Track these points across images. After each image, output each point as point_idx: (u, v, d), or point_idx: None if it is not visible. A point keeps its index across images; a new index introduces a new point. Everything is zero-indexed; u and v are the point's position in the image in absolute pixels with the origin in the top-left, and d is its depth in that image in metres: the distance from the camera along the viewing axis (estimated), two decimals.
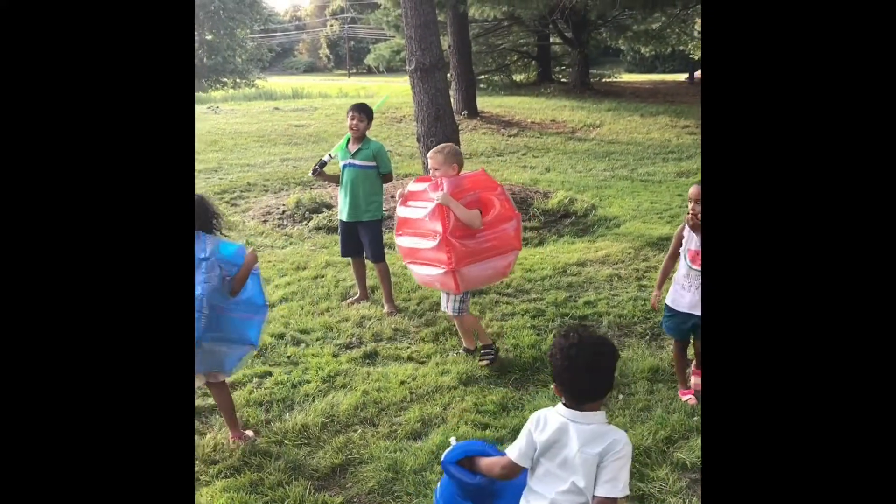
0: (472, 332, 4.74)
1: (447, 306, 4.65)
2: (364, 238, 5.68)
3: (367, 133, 5.64)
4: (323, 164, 5.72)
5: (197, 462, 3.51)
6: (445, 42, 15.49)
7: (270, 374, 4.50)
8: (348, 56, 59.40)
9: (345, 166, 5.64)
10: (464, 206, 4.31)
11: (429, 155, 4.63)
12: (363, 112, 5.59)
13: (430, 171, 4.60)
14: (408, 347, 4.93)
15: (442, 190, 4.32)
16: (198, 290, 3.28)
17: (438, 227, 4.29)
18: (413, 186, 4.59)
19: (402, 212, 4.60)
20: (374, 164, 5.58)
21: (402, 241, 4.63)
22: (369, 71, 49.00)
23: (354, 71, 57.76)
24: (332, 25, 64.42)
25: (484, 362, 4.56)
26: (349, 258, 5.95)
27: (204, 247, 3.38)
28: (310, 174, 5.85)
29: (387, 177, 5.73)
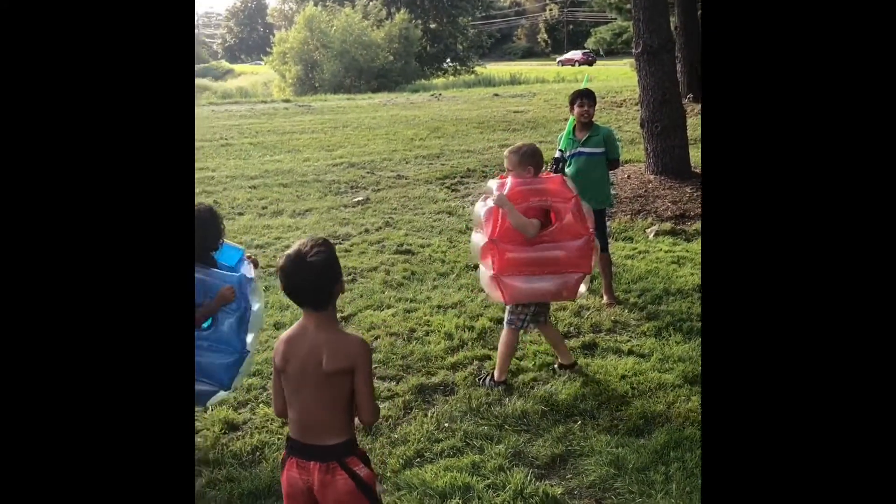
0: (506, 356, 4.23)
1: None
2: None
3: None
4: (558, 161, 5.63)
5: (420, 439, 3.64)
6: (672, 23, 14.82)
7: (489, 357, 4.57)
8: (566, 40, 58.98)
9: (574, 155, 5.54)
10: (524, 211, 3.94)
11: (505, 153, 4.30)
12: (591, 98, 5.49)
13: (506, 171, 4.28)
14: (628, 341, 4.80)
15: (503, 190, 4.02)
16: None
17: (489, 228, 4.00)
18: (492, 183, 4.25)
19: (478, 208, 4.27)
20: (602, 149, 5.45)
21: (474, 238, 4.30)
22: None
23: None
24: (551, 10, 64.27)
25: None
26: None
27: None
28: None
29: (614, 163, 5.58)
